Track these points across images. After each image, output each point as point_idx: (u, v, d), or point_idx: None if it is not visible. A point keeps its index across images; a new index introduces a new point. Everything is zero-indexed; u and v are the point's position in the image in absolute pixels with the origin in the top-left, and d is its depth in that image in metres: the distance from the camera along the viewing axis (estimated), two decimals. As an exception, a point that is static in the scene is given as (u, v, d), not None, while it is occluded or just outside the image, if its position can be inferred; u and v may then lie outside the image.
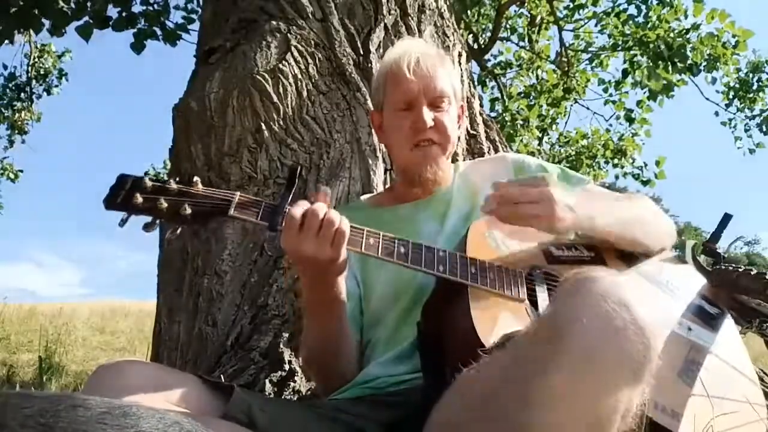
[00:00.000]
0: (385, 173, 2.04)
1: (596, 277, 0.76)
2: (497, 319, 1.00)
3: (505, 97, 7.75)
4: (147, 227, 0.98)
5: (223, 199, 1.00)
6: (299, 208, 1.00)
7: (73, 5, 4.14)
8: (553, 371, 0.68)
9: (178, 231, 1.01)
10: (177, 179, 1.00)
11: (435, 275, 1.06)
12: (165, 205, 0.97)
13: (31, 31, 6.19)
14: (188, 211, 0.97)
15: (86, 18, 4.09)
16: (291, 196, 1.03)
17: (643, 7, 6.65)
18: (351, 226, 1.04)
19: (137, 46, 4.42)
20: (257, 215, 1.01)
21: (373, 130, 1.83)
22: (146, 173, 1.07)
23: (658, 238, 1.25)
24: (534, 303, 1.07)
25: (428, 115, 1.29)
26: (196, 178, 1.00)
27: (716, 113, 7.63)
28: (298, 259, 1.03)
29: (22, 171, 8.97)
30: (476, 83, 3.44)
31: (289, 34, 2.17)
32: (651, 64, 6.35)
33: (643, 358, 0.71)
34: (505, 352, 0.76)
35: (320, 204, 1.02)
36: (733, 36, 6.35)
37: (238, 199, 1.00)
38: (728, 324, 1.22)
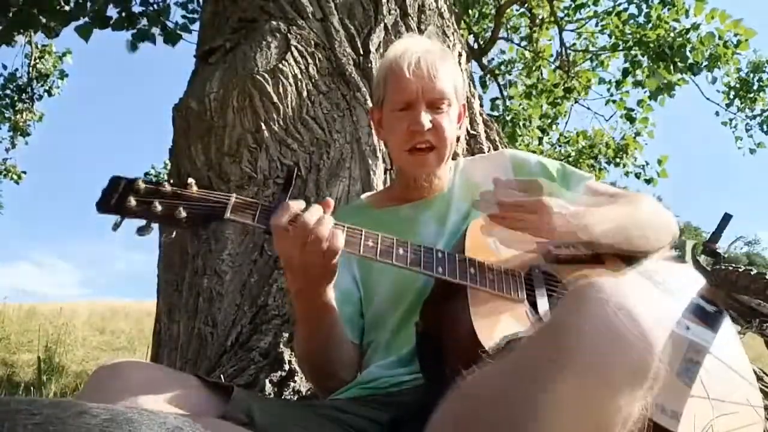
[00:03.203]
0: (385, 173, 2.04)
1: (598, 283, 0.76)
2: (497, 320, 1.00)
3: (505, 97, 7.76)
4: (141, 231, 0.95)
5: (218, 201, 0.98)
6: (285, 214, 0.98)
7: (72, 5, 4.14)
8: (557, 382, 0.68)
9: (173, 235, 0.99)
10: (171, 181, 0.99)
11: (434, 276, 1.05)
12: (159, 208, 0.95)
13: (32, 32, 6.19)
14: (183, 214, 0.95)
15: (86, 18, 4.10)
16: (288, 197, 1.02)
17: (644, 6, 6.66)
18: (348, 228, 1.03)
19: (132, 46, 4.45)
20: (254, 217, 0.99)
21: (373, 129, 1.83)
22: (146, 174, 1.06)
23: (657, 240, 1.25)
24: (533, 303, 1.07)
25: (426, 117, 1.26)
26: (191, 180, 0.99)
27: (717, 113, 7.65)
28: (288, 266, 1.03)
29: (25, 172, 8.96)
30: (476, 83, 3.44)
31: (289, 34, 2.17)
32: (652, 63, 6.36)
33: (645, 365, 0.71)
34: (508, 359, 0.76)
35: (314, 209, 1.00)
36: (735, 35, 6.35)
37: (234, 201, 0.99)
38: (727, 324, 1.22)
